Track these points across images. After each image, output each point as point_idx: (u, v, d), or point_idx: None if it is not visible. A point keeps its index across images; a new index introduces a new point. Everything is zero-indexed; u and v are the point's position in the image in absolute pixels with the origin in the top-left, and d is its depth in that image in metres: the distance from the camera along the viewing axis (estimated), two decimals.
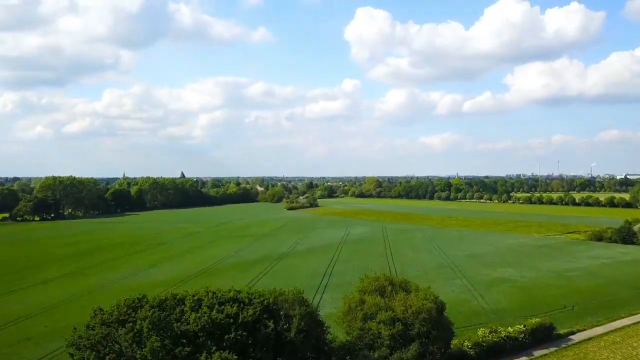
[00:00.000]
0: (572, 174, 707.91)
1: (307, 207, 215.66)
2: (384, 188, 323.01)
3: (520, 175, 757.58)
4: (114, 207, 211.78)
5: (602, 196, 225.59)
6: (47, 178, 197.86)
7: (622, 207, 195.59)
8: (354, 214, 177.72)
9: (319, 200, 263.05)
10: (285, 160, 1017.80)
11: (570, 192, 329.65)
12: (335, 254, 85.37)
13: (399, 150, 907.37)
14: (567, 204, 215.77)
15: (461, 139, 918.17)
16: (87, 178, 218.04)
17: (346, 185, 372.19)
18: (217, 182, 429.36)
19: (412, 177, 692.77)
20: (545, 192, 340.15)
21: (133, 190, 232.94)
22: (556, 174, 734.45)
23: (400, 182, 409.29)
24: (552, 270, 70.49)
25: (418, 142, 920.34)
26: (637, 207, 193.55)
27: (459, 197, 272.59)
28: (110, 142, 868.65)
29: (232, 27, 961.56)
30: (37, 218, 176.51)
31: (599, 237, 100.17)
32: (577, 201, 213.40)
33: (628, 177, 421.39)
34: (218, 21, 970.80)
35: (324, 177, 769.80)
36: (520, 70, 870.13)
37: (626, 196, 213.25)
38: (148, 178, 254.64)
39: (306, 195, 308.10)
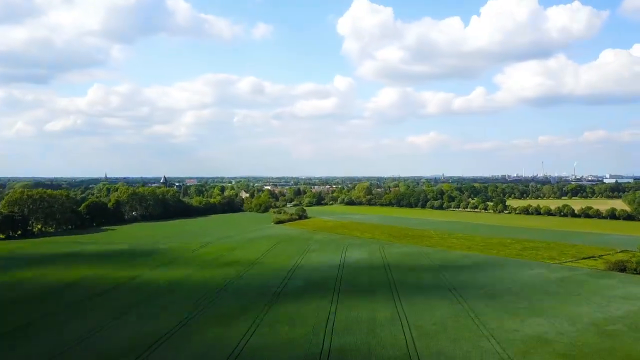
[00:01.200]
0: (556, 175, 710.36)
1: (295, 219, 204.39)
2: (374, 195, 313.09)
3: (505, 176, 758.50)
4: (89, 220, 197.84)
5: (600, 205, 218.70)
6: (14, 192, 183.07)
7: (624, 219, 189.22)
8: (347, 229, 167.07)
9: (307, 208, 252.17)
10: (272, 160, 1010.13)
11: (563, 198, 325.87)
12: (333, 296, 74.34)
13: (388, 150, 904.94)
14: (565, 214, 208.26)
15: (448, 138, 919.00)
16: (59, 191, 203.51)
17: (335, 192, 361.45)
18: (201, 187, 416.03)
19: (398, 178, 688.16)
20: (537, 197, 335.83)
21: (111, 200, 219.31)
22: (540, 174, 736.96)
23: (390, 188, 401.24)
24: (589, 322, 60.46)
25: (406, 142, 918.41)
26: (639, 220, 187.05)
27: (452, 206, 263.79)
28: (94, 141, 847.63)
29: (230, 24, 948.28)
30: (2, 236, 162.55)
31: (621, 267, 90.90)
32: (576, 212, 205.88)
33: (618, 181, 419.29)
34: (215, 17, 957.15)
35: (310, 178, 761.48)
36: (514, 68, 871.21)
37: (626, 207, 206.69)
38: (127, 188, 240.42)
39: (294, 202, 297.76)
